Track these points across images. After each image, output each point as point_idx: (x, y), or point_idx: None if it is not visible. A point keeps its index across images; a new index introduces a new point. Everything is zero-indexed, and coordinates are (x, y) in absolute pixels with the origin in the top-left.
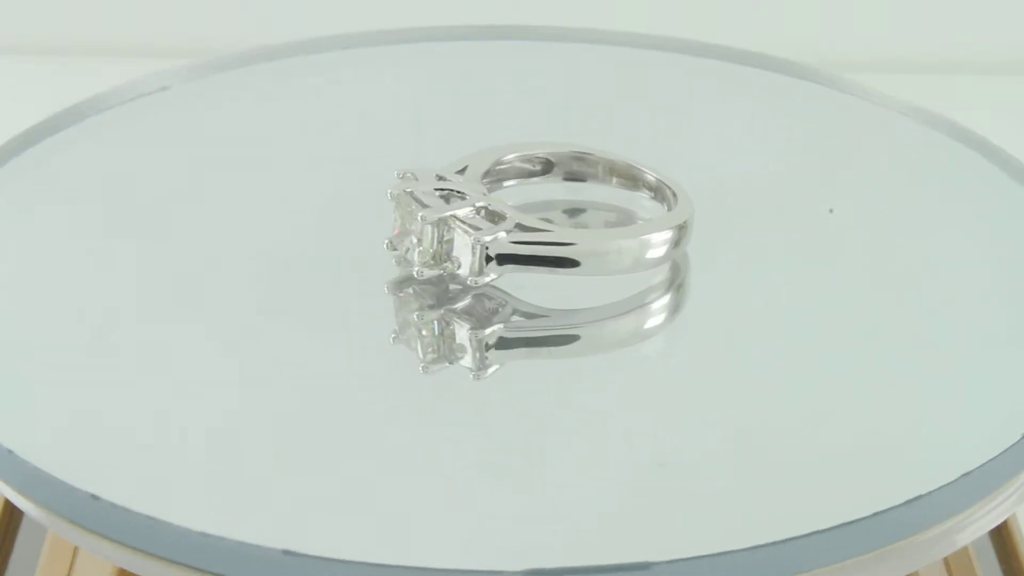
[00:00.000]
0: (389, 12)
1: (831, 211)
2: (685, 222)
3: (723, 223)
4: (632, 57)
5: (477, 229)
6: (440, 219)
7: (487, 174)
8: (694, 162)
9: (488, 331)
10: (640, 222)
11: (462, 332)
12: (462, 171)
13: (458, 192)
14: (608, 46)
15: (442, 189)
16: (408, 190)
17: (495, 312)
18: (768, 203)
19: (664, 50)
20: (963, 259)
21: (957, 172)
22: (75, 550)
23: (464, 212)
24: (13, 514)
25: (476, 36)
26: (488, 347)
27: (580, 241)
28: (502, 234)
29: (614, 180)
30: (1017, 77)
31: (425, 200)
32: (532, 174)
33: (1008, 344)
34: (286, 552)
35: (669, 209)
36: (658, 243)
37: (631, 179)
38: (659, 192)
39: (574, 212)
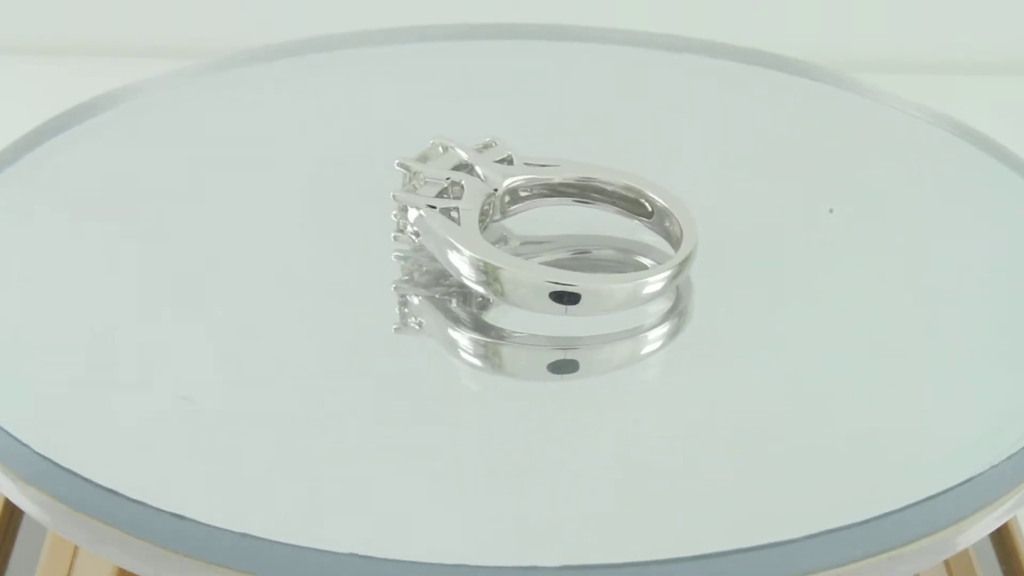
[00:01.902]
0: (389, 12)
1: (831, 211)
2: (685, 260)
3: (723, 223)
4: (632, 57)
5: (411, 191)
6: (406, 167)
7: (561, 185)
8: (694, 162)
9: (409, 287)
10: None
11: (396, 283)
12: (544, 166)
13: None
14: (608, 45)
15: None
16: (448, 146)
17: (436, 279)
18: (768, 203)
19: (664, 49)
20: (968, 259)
21: (961, 171)
22: (75, 550)
23: (431, 175)
24: (13, 514)
25: (475, 36)
26: (407, 305)
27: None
28: (423, 206)
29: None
30: (1017, 77)
31: (438, 161)
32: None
33: (1013, 347)
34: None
35: (675, 247)
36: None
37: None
38: (667, 230)
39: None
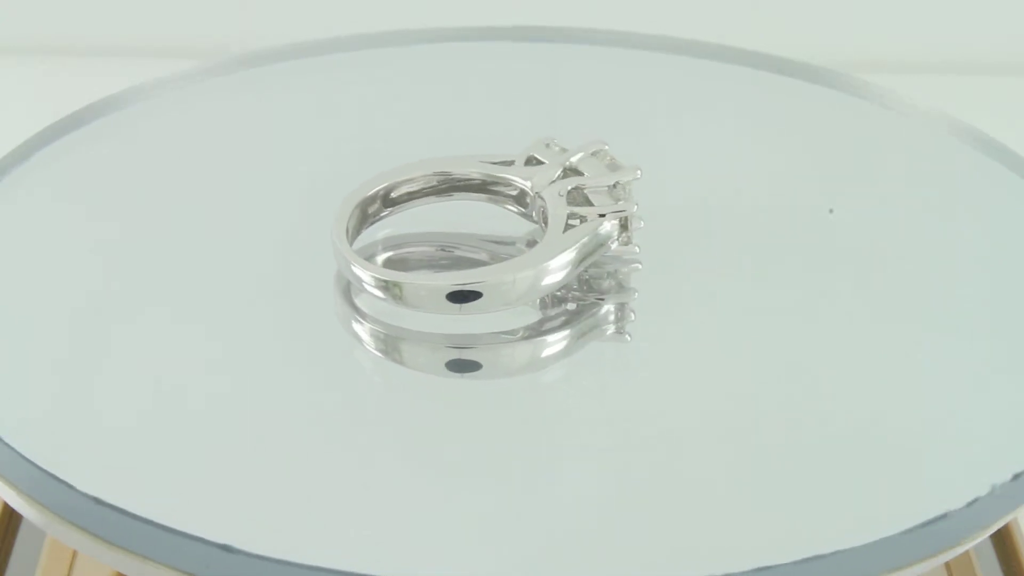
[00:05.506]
0: (388, 14)
1: (831, 211)
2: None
3: (721, 224)
4: (631, 58)
5: (533, 166)
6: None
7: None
8: (693, 162)
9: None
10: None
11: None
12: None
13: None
14: (607, 47)
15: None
16: (594, 153)
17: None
18: (767, 203)
19: (664, 50)
20: (968, 259)
21: (961, 170)
22: (74, 553)
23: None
24: (13, 516)
25: (474, 37)
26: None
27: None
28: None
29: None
30: (1017, 77)
31: (564, 157)
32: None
33: (1014, 350)
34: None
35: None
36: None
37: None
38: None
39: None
